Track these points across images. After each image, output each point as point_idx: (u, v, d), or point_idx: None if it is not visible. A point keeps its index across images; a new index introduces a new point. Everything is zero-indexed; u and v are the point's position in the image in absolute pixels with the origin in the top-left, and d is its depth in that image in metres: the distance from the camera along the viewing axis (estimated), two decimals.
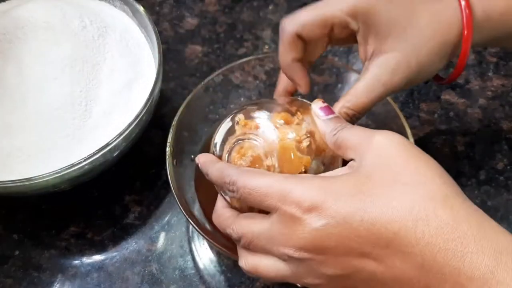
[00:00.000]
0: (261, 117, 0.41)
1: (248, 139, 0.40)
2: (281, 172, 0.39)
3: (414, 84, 0.45)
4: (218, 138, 0.42)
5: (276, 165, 0.39)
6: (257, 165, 0.39)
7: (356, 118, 0.43)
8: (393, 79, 0.42)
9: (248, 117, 0.42)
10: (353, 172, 0.34)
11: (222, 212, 0.39)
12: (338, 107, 0.43)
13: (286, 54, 0.45)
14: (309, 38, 0.44)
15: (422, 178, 0.32)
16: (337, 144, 0.37)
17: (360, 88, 0.43)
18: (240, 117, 0.41)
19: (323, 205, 0.32)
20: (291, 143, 0.39)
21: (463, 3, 0.41)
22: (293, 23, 0.44)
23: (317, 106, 0.40)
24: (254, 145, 0.40)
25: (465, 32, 0.41)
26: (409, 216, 0.30)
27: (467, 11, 0.41)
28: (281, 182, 0.33)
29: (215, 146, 0.42)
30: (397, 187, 0.32)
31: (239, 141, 0.41)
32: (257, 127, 0.41)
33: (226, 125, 0.43)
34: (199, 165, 0.41)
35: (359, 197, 0.32)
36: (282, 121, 0.41)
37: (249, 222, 0.36)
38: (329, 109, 0.40)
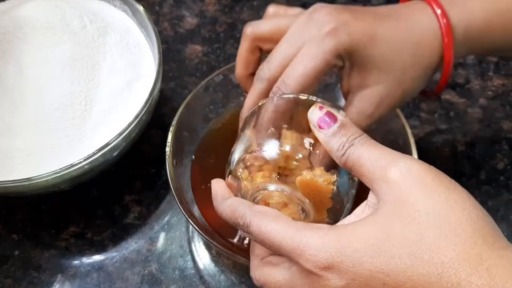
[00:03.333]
0: (269, 160, 0.37)
1: (265, 189, 0.37)
2: (314, 205, 0.36)
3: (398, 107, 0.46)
4: (236, 155, 0.39)
5: (307, 201, 0.36)
6: (288, 207, 0.37)
7: None
8: (378, 111, 0.42)
9: (254, 169, 0.38)
10: (371, 221, 0.30)
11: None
12: None
13: (243, 68, 0.46)
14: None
15: (451, 232, 0.29)
16: (347, 166, 0.33)
17: None
18: (244, 172, 0.38)
19: (341, 265, 0.30)
20: (307, 175, 0.35)
21: (438, 11, 0.41)
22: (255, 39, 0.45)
23: (315, 116, 0.35)
24: (276, 194, 0.37)
25: (446, 40, 0.41)
26: (438, 283, 0.28)
27: (444, 20, 0.41)
28: (295, 234, 0.31)
29: (230, 164, 0.39)
30: (422, 246, 0.28)
31: (258, 194, 0.38)
32: (270, 175, 0.37)
33: (241, 144, 0.39)
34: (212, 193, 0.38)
35: (380, 259, 0.29)
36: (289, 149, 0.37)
37: (271, 270, 0.34)
38: (331, 117, 0.34)
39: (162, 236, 0.52)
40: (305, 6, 0.66)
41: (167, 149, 0.48)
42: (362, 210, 0.34)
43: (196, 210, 0.48)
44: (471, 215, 0.29)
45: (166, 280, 0.49)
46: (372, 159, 0.32)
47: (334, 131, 0.34)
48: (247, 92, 0.46)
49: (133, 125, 0.48)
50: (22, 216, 0.53)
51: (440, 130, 0.57)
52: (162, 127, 0.56)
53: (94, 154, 0.46)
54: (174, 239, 0.52)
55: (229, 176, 0.39)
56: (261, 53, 0.46)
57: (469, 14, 0.42)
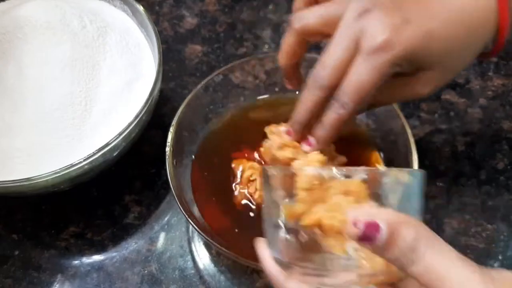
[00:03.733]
0: None
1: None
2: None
3: None
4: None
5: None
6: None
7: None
8: (427, 90, 0.43)
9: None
10: None
11: None
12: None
13: (288, 59, 0.45)
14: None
15: None
16: (416, 274, 0.28)
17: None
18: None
19: None
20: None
21: None
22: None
23: (353, 234, 0.28)
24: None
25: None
26: None
27: None
28: None
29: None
30: None
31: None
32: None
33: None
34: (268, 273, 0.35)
35: None
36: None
37: None
38: (371, 229, 0.28)
39: (162, 236, 0.52)
40: None
41: (167, 149, 0.48)
42: None
43: (196, 210, 0.48)
44: None
45: (166, 280, 0.49)
46: (446, 273, 0.27)
47: (383, 246, 0.28)
48: (288, 79, 0.47)
49: (133, 125, 0.48)
50: (22, 216, 0.53)
51: (440, 130, 0.57)
52: (162, 127, 0.56)
53: (94, 154, 0.46)
54: (174, 239, 0.52)
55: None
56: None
57: None
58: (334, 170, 0.33)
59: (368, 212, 0.29)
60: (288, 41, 0.45)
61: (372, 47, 0.38)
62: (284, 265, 0.34)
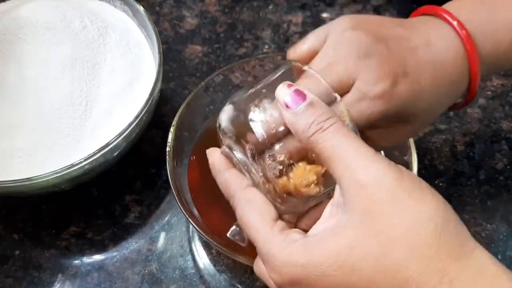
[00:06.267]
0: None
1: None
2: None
3: None
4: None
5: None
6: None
7: None
8: (399, 140, 0.43)
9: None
10: (337, 233, 0.30)
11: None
12: None
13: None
14: None
15: (417, 248, 0.28)
16: (314, 151, 0.32)
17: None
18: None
19: (305, 281, 0.30)
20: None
21: (454, 23, 0.39)
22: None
23: (282, 94, 0.33)
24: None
25: (468, 48, 0.39)
26: None
27: (463, 32, 0.39)
28: (267, 240, 0.32)
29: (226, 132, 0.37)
30: (386, 262, 0.29)
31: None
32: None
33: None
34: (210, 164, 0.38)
35: (345, 274, 0.29)
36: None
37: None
38: (299, 95, 0.32)
39: (162, 236, 0.52)
40: (304, 6, 0.66)
41: (167, 149, 0.48)
42: (329, 211, 0.33)
43: (196, 210, 0.48)
44: (438, 228, 0.29)
45: (166, 280, 0.49)
46: (344, 155, 0.30)
47: (301, 110, 0.32)
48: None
49: (133, 125, 0.48)
50: (22, 216, 0.53)
51: (440, 130, 0.57)
52: (162, 127, 0.56)
53: (94, 154, 0.46)
54: (174, 239, 0.52)
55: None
56: None
57: (490, 25, 0.40)
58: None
59: (302, 87, 0.33)
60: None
61: (369, 94, 0.36)
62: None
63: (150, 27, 0.54)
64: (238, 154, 0.36)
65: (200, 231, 0.44)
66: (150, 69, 0.54)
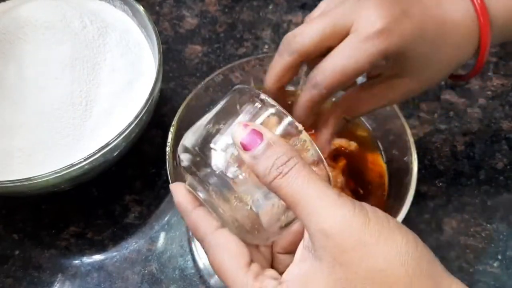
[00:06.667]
0: None
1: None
2: None
3: None
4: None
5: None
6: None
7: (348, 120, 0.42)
8: (399, 98, 0.42)
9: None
10: (309, 281, 0.30)
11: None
12: (338, 112, 0.42)
13: (276, 82, 0.41)
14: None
15: None
16: (278, 194, 0.30)
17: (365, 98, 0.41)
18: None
19: None
20: None
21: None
22: (303, 51, 0.39)
23: (238, 135, 0.31)
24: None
25: (481, 20, 0.39)
26: None
27: (478, 1, 0.39)
28: (238, 275, 0.31)
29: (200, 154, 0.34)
30: None
31: None
32: None
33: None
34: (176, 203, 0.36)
35: None
36: None
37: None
38: (256, 135, 0.30)
39: (162, 236, 0.52)
40: (304, 6, 0.66)
41: (167, 149, 0.48)
42: (300, 254, 0.32)
43: None
44: (409, 272, 0.28)
45: (166, 280, 0.49)
46: (307, 202, 0.29)
47: (259, 152, 0.30)
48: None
49: (133, 125, 0.48)
50: (22, 216, 0.53)
51: (440, 130, 0.57)
52: (162, 127, 0.56)
53: (94, 154, 0.46)
54: (174, 239, 0.52)
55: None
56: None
57: None
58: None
59: (260, 126, 0.31)
60: (279, 65, 0.40)
61: (368, 32, 0.36)
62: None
63: (150, 27, 0.54)
64: (202, 194, 0.34)
65: None
66: (150, 69, 0.54)
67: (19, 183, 0.45)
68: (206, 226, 0.34)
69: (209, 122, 0.35)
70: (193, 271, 0.50)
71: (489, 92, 0.60)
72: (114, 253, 0.51)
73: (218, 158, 0.33)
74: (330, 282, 0.29)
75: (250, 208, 0.32)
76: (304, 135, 0.33)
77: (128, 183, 0.55)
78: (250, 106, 0.34)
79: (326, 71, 0.37)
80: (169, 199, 0.54)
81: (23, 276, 0.50)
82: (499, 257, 0.50)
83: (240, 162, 0.32)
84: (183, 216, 0.35)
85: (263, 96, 0.34)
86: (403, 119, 0.49)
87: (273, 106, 0.33)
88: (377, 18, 0.36)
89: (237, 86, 0.36)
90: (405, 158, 0.47)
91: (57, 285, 0.50)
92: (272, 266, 0.35)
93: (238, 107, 0.34)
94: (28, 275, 0.50)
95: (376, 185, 0.50)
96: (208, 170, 0.33)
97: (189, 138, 0.35)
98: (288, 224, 0.34)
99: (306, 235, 0.31)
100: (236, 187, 0.32)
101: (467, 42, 0.40)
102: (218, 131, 0.34)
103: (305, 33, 0.39)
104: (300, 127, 0.33)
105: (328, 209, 0.29)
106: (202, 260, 0.51)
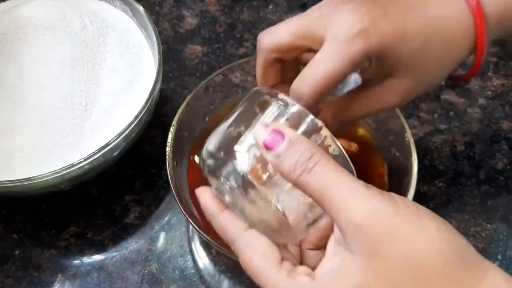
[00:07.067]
0: None
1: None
2: None
3: None
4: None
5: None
6: None
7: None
8: (399, 100, 0.41)
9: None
10: (344, 274, 0.30)
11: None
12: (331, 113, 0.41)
13: (264, 83, 0.41)
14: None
15: (423, 282, 0.28)
16: (305, 192, 0.31)
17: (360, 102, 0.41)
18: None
19: None
20: None
21: None
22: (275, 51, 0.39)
23: (260, 136, 0.32)
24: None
25: (477, 21, 0.38)
26: None
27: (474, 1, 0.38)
28: (273, 283, 0.31)
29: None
30: None
31: None
32: None
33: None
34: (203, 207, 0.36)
35: None
36: None
37: None
38: (277, 134, 0.31)
39: (162, 236, 0.52)
40: (304, 6, 0.66)
41: (167, 149, 0.48)
42: (332, 249, 0.32)
43: (195, 210, 0.48)
44: (445, 257, 0.28)
45: (166, 280, 0.49)
46: (335, 195, 0.29)
47: (282, 151, 0.31)
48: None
49: (133, 125, 0.48)
50: (22, 216, 0.53)
51: (440, 130, 0.57)
52: (162, 127, 0.56)
53: (94, 154, 0.46)
54: (174, 239, 0.52)
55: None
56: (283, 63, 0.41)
57: None
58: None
59: (280, 125, 0.32)
60: (258, 64, 0.41)
61: (347, 35, 0.36)
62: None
63: (150, 27, 0.54)
64: (228, 197, 0.35)
65: (200, 231, 0.44)
66: (150, 69, 0.54)
67: (19, 183, 0.45)
68: (235, 228, 0.34)
69: (230, 126, 0.36)
70: (193, 271, 0.50)
71: (489, 92, 0.60)
72: (114, 253, 0.51)
73: (242, 160, 0.33)
74: (366, 274, 0.29)
75: (276, 208, 0.33)
76: (325, 131, 0.33)
77: (128, 183, 0.55)
78: (271, 106, 0.35)
79: (307, 81, 0.37)
80: (169, 199, 0.54)
81: (23, 276, 0.50)
82: (499, 257, 0.50)
83: (263, 163, 0.32)
84: (211, 220, 0.36)
85: (281, 95, 0.34)
86: (403, 119, 0.49)
87: (293, 104, 0.34)
88: (354, 21, 0.36)
89: (254, 88, 0.37)
90: (405, 158, 0.48)
91: (57, 285, 0.50)
92: (301, 263, 0.35)
93: (257, 109, 0.35)
94: (28, 275, 0.50)
95: (376, 185, 0.49)
96: (233, 172, 0.34)
97: (213, 143, 0.36)
98: (315, 221, 0.34)
99: (336, 229, 0.31)
100: (260, 187, 0.33)
101: (460, 40, 0.40)
102: (239, 134, 0.34)
103: (276, 32, 0.39)
104: (320, 123, 0.33)
105: (358, 202, 0.29)
106: (202, 260, 0.51)
